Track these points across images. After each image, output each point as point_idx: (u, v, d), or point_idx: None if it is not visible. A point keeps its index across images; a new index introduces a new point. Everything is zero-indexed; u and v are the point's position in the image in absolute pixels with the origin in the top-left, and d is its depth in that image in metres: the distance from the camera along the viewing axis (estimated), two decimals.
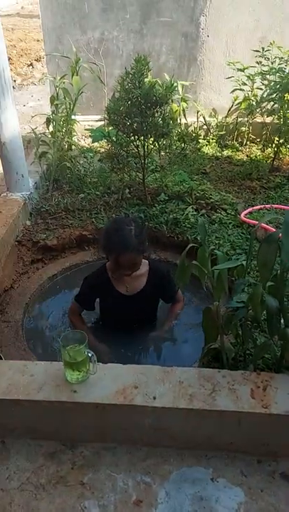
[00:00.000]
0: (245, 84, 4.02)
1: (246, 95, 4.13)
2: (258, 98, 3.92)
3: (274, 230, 2.67)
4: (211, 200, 3.31)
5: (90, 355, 1.63)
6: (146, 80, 2.80)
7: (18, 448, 1.67)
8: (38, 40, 8.76)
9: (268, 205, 3.28)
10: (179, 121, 4.38)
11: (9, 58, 7.86)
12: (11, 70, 7.56)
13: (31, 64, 8.14)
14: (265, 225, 2.86)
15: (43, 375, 1.68)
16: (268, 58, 3.83)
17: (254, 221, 2.99)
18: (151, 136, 2.96)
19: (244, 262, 1.77)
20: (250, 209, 3.20)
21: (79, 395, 1.60)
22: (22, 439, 1.69)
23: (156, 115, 2.87)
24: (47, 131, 3.50)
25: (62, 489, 1.55)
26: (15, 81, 7.19)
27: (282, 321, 1.65)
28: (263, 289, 1.56)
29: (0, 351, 2.24)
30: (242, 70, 3.93)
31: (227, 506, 1.52)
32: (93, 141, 3.59)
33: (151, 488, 1.56)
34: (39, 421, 1.66)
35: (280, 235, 1.43)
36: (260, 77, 3.74)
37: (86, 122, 4.38)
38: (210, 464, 1.64)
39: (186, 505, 1.51)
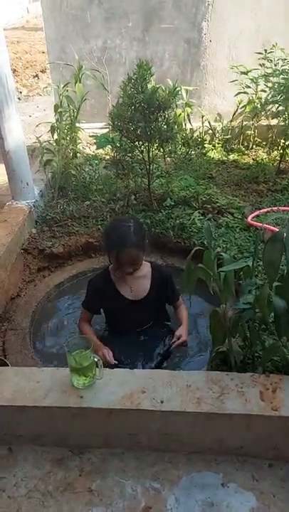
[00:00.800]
0: (249, 87, 4.02)
1: (250, 98, 4.13)
2: (263, 101, 3.91)
3: None
4: (218, 204, 3.29)
5: (95, 360, 1.61)
6: (149, 85, 2.81)
7: (25, 455, 1.66)
8: (43, 52, 8.86)
9: (275, 208, 3.25)
10: (184, 126, 4.38)
11: (15, 70, 8.01)
12: (17, 81, 7.68)
13: (37, 75, 8.24)
14: (271, 227, 2.84)
15: (49, 381, 1.67)
16: (271, 60, 3.82)
17: (261, 224, 2.96)
18: (155, 141, 2.96)
19: (250, 264, 1.75)
20: (257, 212, 3.18)
21: (86, 400, 1.59)
22: (29, 446, 1.68)
23: (159, 120, 2.87)
24: (51, 139, 3.52)
25: (70, 496, 1.53)
26: (21, 92, 7.27)
27: None
28: (270, 290, 1.53)
29: (6, 358, 2.23)
30: (245, 73, 3.93)
31: None
32: (98, 148, 3.60)
33: (161, 494, 1.54)
34: (46, 427, 1.65)
35: (285, 234, 1.41)
36: (263, 79, 3.73)
37: (91, 130, 4.40)
38: (220, 469, 1.61)
39: None
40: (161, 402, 1.57)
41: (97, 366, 1.62)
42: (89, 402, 1.58)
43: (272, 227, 2.85)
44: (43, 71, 8.30)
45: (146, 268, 2.30)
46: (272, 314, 1.61)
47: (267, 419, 1.52)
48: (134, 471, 1.60)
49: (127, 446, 1.67)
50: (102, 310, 2.44)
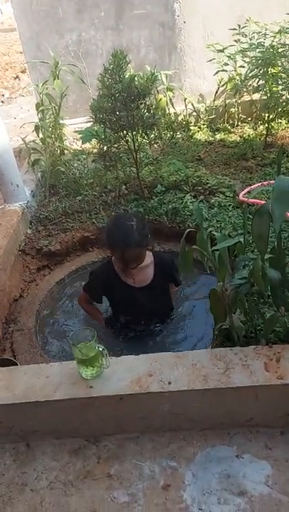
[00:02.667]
0: (227, 64, 3.99)
1: (230, 76, 4.11)
2: (242, 77, 3.90)
3: None
4: (208, 185, 3.30)
5: (101, 349, 1.65)
6: (126, 74, 2.80)
7: (43, 449, 1.70)
8: (21, 52, 8.78)
9: (265, 182, 3.26)
10: (167, 111, 4.37)
11: None
12: None
13: (17, 76, 8.20)
14: (261, 201, 2.85)
15: (58, 376, 1.70)
16: (246, 35, 3.80)
17: (253, 200, 2.97)
18: (139, 129, 2.97)
19: (242, 239, 1.77)
20: (247, 188, 3.19)
21: (95, 390, 1.62)
22: (46, 440, 1.72)
23: (141, 107, 2.87)
24: (37, 138, 3.52)
25: (91, 483, 1.57)
26: (3, 95, 7.24)
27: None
28: (263, 262, 1.56)
29: (15, 358, 2.27)
30: (222, 51, 3.90)
31: (255, 480, 1.52)
32: (83, 142, 3.60)
33: (178, 471, 1.58)
34: (60, 420, 1.69)
35: (270, 206, 1.43)
36: (240, 55, 3.71)
37: (75, 125, 4.40)
38: (233, 442, 1.65)
39: (214, 484, 1.52)
40: (169, 383, 1.60)
41: (103, 355, 1.66)
42: (99, 391, 1.61)
43: (261, 201, 2.86)
44: (23, 71, 8.24)
45: (148, 258, 2.31)
46: (269, 286, 1.63)
47: (273, 389, 1.56)
48: (151, 453, 1.65)
49: (141, 429, 1.71)
50: (107, 301, 2.49)
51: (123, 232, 2.11)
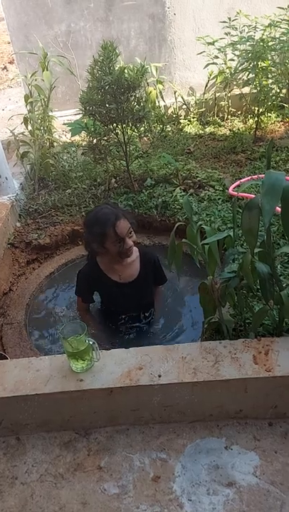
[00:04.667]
0: (217, 57, 3.98)
1: (220, 69, 4.10)
2: (232, 70, 3.89)
3: None
4: (198, 178, 3.31)
5: (91, 342, 1.65)
6: (116, 66, 2.78)
7: (33, 442, 1.71)
8: (8, 43, 8.65)
9: (255, 176, 3.27)
10: (157, 103, 4.35)
11: None
12: None
13: (5, 67, 8.09)
14: (251, 195, 2.87)
15: (48, 369, 1.71)
16: (236, 28, 3.79)
17: (242, 194, 2.98)
18: (129, 122, 2.95)
19: (231, 233, 1.78)
20: (237, 182, 3.20)
21: (86, 383, 1.63)
22: (36, 433, 1.73)
23: (130, 100, 2.86)
24: (26, 131, 3.49)
25: (81, 475, 1.58)
26: None
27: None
28: (252, 256, 1.57)
29: (5, 352, 2.27)
30: (212, 44, 3.89)
31: (243, 471, 1.55)
32: (72, 135, 3.57)
33: (168, 463, 1.59)
34: (50, 413, 1.69)
35: (260, 200, 1.44)
36: (230, 48, 3.70)
37: (65, 117, 4.37)
38: (222, 433, 1.67)
39: (203, 475, 1.54)
40: (159, 376, 1.61)
41: (93, 349, 1.66)
42: (89, 384, 1.62)
43: (252, 196, 2.87)
44: (11, 62, 8.13)
45: (134, 253, 2.30)
46: (258, 280, 1.65)
47: (262, 381, 1.58)
48: (141, 445, 1.66)
49: (131, 422, 1.72)
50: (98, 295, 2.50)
51: (104, 212, 2.13)
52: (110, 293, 2.38)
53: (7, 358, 2.09)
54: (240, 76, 3.96)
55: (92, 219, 2.18)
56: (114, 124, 2.96)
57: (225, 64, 4.05)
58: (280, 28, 3.65)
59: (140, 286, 2.37)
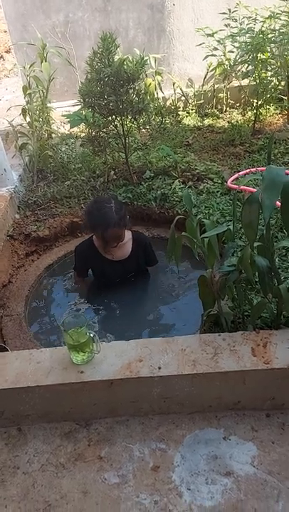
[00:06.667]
0: (216, 49, 3.97)
1: (219, 60, 4.09)
2: (232, 62, 3.88)
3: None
4: (197, 171, 3.31)
5: (91, 335, 1.67)
6: (116, 57, 2.77)
7: (34, 432, 1.73)
8: (5, 31, 8.58)
9: (253, 169, 3.27)
10: (155, 95, 4.33)
11: None
12: None
13: (1, 56, 8.02)
14: (250, 188, 2.87)
15: (49, 361, 1.73)
16: (236, 20, 3.77)
17: (243, 187, 2.99)
18: (128, 114, 2.95)
19: (231, 227, 1.80)
20: (236, 175, 3.20)
21: (86, 375, 1.65)
22: (37, 424, 1.75)
23: (130, 92, 2.85)
24: (24, 122, 3.47)
25: (82, 465, 1.61)
26: None
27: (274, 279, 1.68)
28: (252, 250, 1.58)
29: (5, 344, 2.28)
30: (211, 35, 3.87)
31: (241, 461, 1.57)
32: (71, 127, 3.56)
33: (167, 453, 1.62)
34: (51, 404, 1.71)
35: (261, 194, 1.45)
36: (230, 40, 3.69)
37: (63, 108, 4.34)
38: (221, 424, 1.69)
39: (202, 465, 1.57)
40: (159, 368, 1.63)
41: (94, 341, 1.68)
42: (90, 376, 1.64)
43: (251, 189, 2.88)
44: (7, 51, 8.06)
45: (127, 236, 2.51)
46: (257, 273, 1.66)
47: (260, 373, 1.60)
48: (140, 435, 1.68)
49: (131, 413, 1.74)
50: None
51: (102, 214, 2.30)
52: (103, 269, 2.58)
53: (7, 350, 2.11)
54: (239, 68, 3.94)
55: (92, 211, 2.37)
56: (114, 116, 2.95)
57: (224, 56, 4.03)
58: (280, 20, 3.63)
59: (131, 265, 2.58)
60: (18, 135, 3.36)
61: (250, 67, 3.63)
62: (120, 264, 2.57)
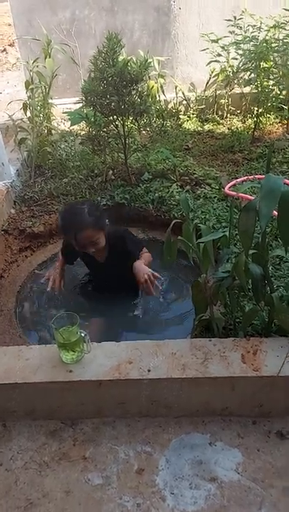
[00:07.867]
0: (220, 55, 3.98)
1: (222, 67, 4.10)
2: (234, 69, 3.89)
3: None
4: (195, 175, 3.31)
5: (82, 335, 1.66)
6: (120, 57, 2.77)
7: (19, 429, 1.72)
8: (9, 25, 8.53)
9: (251, 176, 3.29)
10: (157, 97, 4.34)
11: None
12: None
13: (5, 49, 7.99)
14: (247, 196, 2.88)
15: (38, 358, 1.72)
16: (241, 27, 3.79)
17: (240, 194, 3.00)
18: (129, 115, 2.95)
19: (227, 233, 1.80)
20: (233, 182, 3.21)
21: (75, 374, 1.64)
22: (23, 421, 1.74)
23: (132, 93, 2.85)
24: (25, 117, 3.46)
25: (66, 465, 1.60)
26: None
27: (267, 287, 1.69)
28: (246, 257, 1.59)
29: None
30: (216, 41, 3.89)
31: (226, 467, 1.58)
32: (72, 124, 3.55)
33: (152, 456, 1.62)
34: (38, 402, 1.71)
35: (258, 202, 1.46)
36: (234, 47, 3.70)
37: (64, 105, 4.32)
38: (207, 429, 1.69)
39: (186, 470, 1.57)
40: (148, 370, 1.63)
41: (84, 341, 1.67)
42: (78, 376, 1.63)
43: (248, 196, 2.89)
44: (11, 45, 8.04)
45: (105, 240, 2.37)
46: (250, 281, 1.67)
47: (249, 380, 1.61)
48: (126, 437, 1.68)
49: (118, 414, 1.74)
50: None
51: (73, 215, 2.20)
52: (91, 266, 2.57)
53: None
54: (241, 75, 3.96)
55: (64, 214, 2.28)
56: (115, 116, 2.95)
57: (227, 62, 4.04)
58: (285, 29, 3.65)
59: (113, 264, 2.41)
60: (18, 129, 3.34)
61: (252, 75, 3.65)
62: (104, 266, 2.44)
